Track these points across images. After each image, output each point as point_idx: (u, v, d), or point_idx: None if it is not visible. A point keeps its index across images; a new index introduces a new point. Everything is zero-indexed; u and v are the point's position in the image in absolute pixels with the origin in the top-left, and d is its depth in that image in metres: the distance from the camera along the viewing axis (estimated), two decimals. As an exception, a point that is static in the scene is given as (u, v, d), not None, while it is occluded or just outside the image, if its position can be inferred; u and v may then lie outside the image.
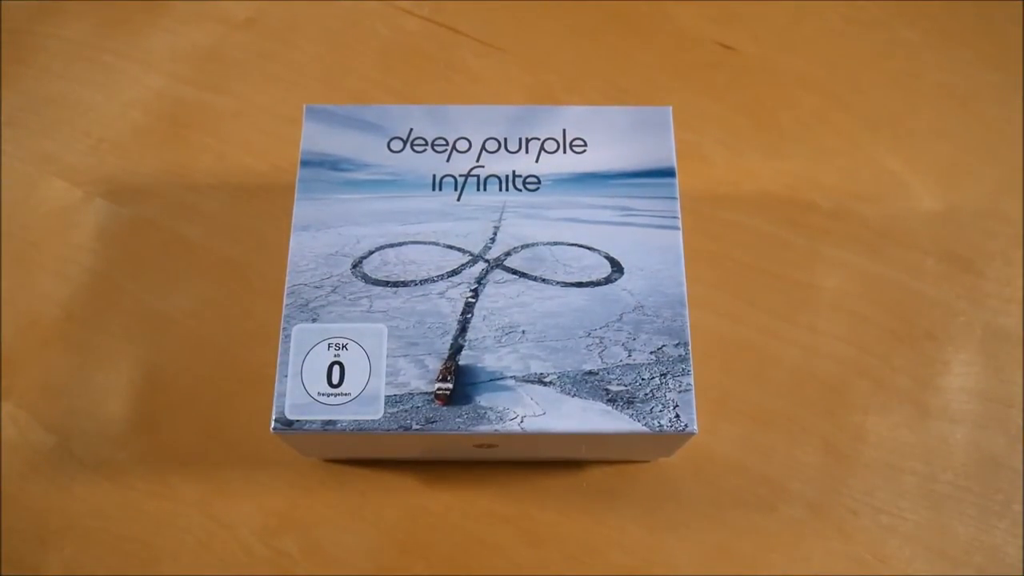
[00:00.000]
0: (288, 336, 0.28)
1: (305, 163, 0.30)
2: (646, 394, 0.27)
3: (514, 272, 0.28)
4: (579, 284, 0.28)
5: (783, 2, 0.43)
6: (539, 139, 0.30)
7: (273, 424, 0.27)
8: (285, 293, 0.28)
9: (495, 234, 0.29)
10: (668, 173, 0.30)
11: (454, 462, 0.34)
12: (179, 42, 0.43)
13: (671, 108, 0.31)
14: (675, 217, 0.29)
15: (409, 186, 0.30)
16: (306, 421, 0.27)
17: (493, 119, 0.31)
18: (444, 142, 0.30)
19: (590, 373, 0.27)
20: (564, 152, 0.30)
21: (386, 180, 0.30)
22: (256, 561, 0.33)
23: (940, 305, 0.37)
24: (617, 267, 0.29)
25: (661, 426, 0.26)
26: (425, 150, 0.30)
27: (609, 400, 0.27)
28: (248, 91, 0.41)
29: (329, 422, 0.27)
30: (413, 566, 0.32)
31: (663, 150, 0.30)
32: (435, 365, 0.27)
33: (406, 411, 0.27)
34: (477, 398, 0.27)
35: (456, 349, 0.27)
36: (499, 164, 0.30)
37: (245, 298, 0.37)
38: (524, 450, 0.31)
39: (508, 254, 0.29)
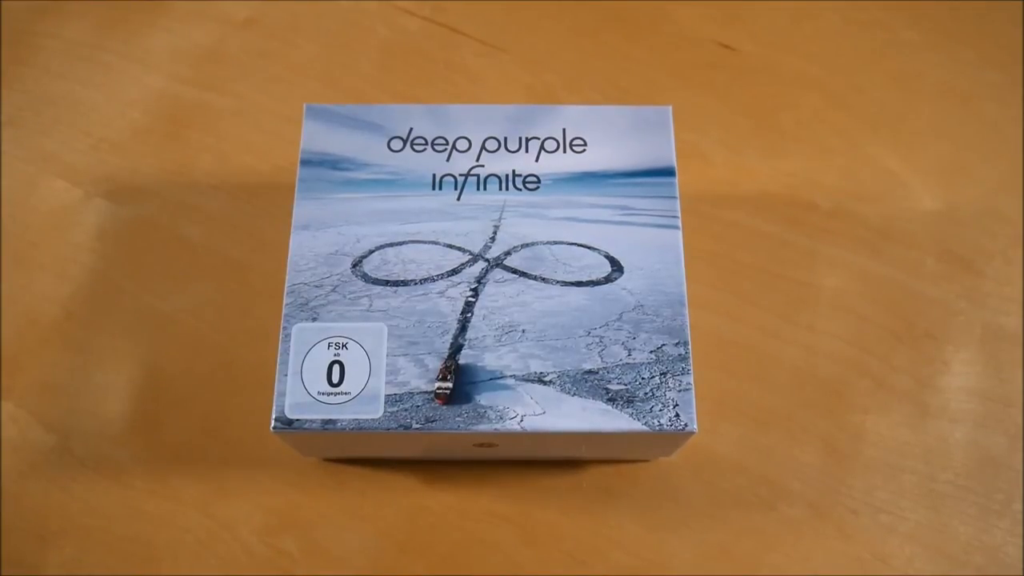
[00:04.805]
0: (288, 335, 0.28)
1: (305, 163, 0.30)
2: (646, 393, 0.27)
3: (514, 271, 0.28)
4: (579, 283, 0.28)
5: (783, 2, 0.43)
6: (539, 138, 0.30)
7: (273, 423, 0.27)
8: (285, 292, 0.28)
9: (495, 233, 0.29)
10: (668, 173, 0.30)
11: (454, 461, 0.34)
12: (179, 42, 0.43)
13: (671, 108, 0.31)
14: (675, 217, 0.29)
15: (409, 185, 0.30)
16: (306, 420, 0.27)
17: (493, 119, 0.31)
18: (444, 141, 0.30)
19: (590, 372, 0.27)
20: (564, 151, 0.30)
21: (386, 179, 0.30)
22: (256, 561, 0.33)
23: (940, 305, 0.37)
24: (617, 266, 0.29)
25: (661, 425, 0.26)
26: (425, 149, 0.30)
27: (609, 399, 0.27)
28: (248, 91, 0.41)
29: (329, 421, 0.27)
30: (413, 566, 0.32)
31: (663, 150, 0.30)
32: (435, 364, 0.27)
33: (406, 410, 0.27)
34: (477, 397, 0.27)
35: (456, 348, 0.27)
36: (499, 163, 0.30)
37: (245, 298, 0.37)
38: (524, 449, 0.31)
39: (508, 253, 0.29)
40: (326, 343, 0.27)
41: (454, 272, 0.28)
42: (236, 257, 0.37)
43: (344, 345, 0.27)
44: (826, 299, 0.37)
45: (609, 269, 0.28)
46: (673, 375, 0.27)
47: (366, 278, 0.28)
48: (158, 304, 0.37)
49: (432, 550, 0.33)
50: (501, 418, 0.27)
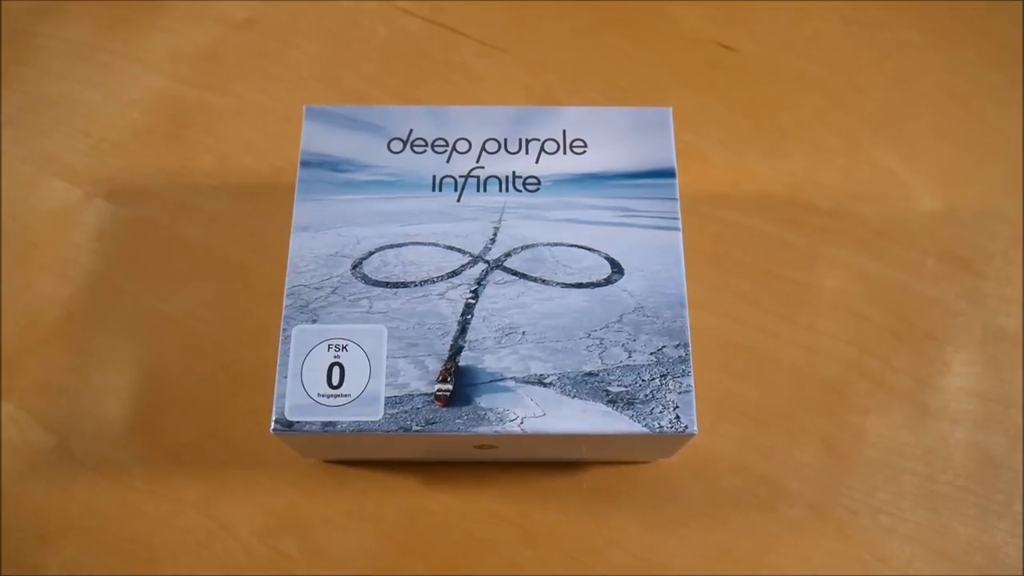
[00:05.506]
0: (288, 337, 0.28)
1: (305, 164, 0.30)
2: (646, 395, 0.27)
3: (514, 273, 0.28)
4: (579, 285, 0.28)
5: (783, 2, 0.43)
6: (539, 140, 0.30)
7: (273, 425, 0.27)
8: (285, 294, 0.28)
9: (495, 235, 0.29)
10: (668, 174, 0.30)
11: (454, 463, 0.34)
12: (179, 42, 0.43)
13: (671, 109, 0.31)
14: (675, 218, 0.29)
15: (409, 187, 0.30)
16: (306, 422, 0.27)
17: (493, 120, 0.31)
18: (444, 143, 0.30)
19: (590, 374, 0.27)
20: (564, 153, 0.30)
21: (386, 181, 0.30)
22: (256, 561, 0.33)
23: (940, 305, 0.37)
24: (617, 268, 0.29)
25: (661, 427, 0.26)
26: (425, 151, 0.30)
27: (609, 401, 0.27)
28: (248, 91, 0.41)
29: (329, 423, 0.27)
30: (412, 566, 0.33)
31: (663, 151, 0.30)
32: (435, 366, 0.27)
33: (406, 412, 0.27)
34: (477, 399, 0.27)
35: (456, 350, 0.27)
36: (499, 165, 0.30)
37: (245, 298, 0.37)
38: (524, 451, 0.31)
39: (508, 255, 0.29)
40: (326, 345, 0.27)
41: (454, 274, 0.28)
42: (236, 257, 0.37)
43: (344, 347, 0.27)
44: (826, 299, 0.37)
45: (609, 271, 0.28)
46: (673, 377, 0.27)
47: (366, 280, 0.28)
48: (158, 304, 0.37)
49: (432, 551, 0.33)
50: (501, 420, 0.27)
